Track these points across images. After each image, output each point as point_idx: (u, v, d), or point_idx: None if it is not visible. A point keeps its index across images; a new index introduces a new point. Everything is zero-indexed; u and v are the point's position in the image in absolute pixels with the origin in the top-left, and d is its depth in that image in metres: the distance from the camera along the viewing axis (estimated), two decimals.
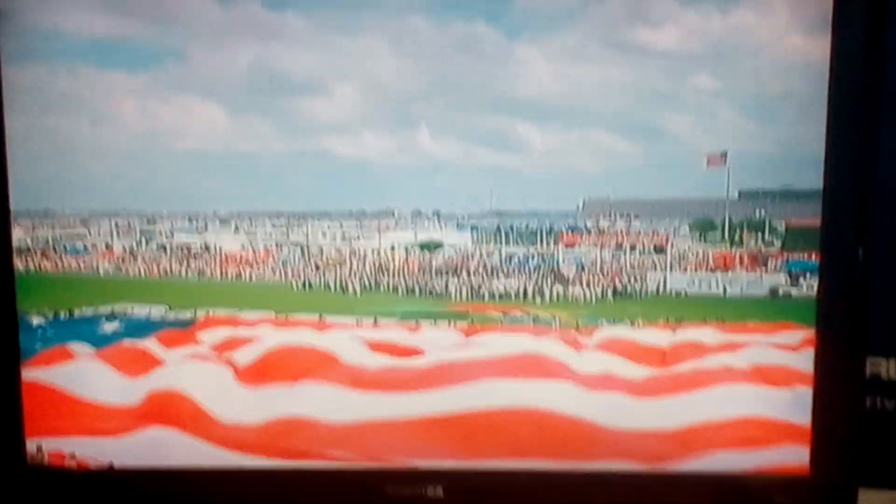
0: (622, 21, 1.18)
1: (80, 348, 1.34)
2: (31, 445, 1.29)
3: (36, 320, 1.36)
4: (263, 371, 1.36)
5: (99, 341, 1.34)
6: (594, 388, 1.25)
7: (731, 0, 1.16)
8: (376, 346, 1.29)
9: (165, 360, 1.34)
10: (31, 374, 1.30)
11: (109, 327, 1.39)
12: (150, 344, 1.34)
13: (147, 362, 1.32)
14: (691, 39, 1.16)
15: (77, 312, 1.34)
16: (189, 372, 1.32)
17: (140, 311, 1.36)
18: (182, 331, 1.36)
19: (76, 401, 1.32)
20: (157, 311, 1.35)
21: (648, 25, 1.17)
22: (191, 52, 1.23)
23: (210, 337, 1.38)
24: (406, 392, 1.26)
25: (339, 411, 1.29)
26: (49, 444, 1.34)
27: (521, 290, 1.31)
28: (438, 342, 1.27)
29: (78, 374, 1.32)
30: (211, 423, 1.32)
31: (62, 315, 1.35)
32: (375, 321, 1.34)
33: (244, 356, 1.36)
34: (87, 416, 1.33)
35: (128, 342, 1.32)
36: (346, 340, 1.30)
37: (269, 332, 1.34)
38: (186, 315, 1.34)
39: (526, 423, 1.26)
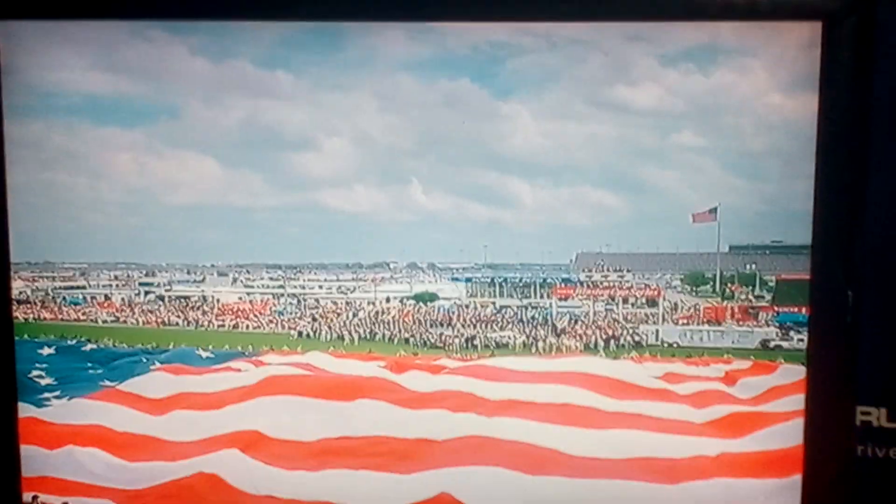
0: (609, 81, 1.19)
1: None
2: None
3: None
4: None
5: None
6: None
7: (722, 60, 1.17)
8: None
9: None
10: None
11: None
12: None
13: None
14: (678, 99, 1.18)
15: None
16: None
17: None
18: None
19: None
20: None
21: (633, 86, 1.19)
22: (185, 109, 1.25)
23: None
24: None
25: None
26: None
27: (515, 341, 1.33)
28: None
29: None
30: None
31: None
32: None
33: None
34: None
35: None
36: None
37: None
38: None
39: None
